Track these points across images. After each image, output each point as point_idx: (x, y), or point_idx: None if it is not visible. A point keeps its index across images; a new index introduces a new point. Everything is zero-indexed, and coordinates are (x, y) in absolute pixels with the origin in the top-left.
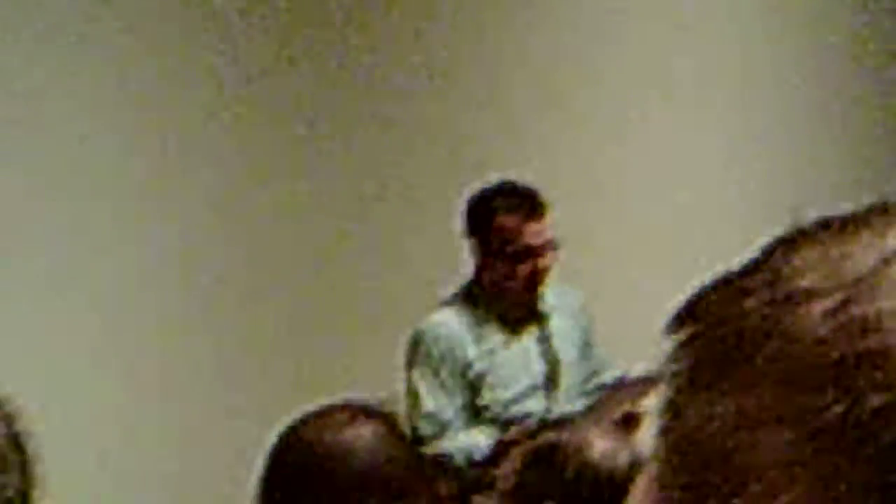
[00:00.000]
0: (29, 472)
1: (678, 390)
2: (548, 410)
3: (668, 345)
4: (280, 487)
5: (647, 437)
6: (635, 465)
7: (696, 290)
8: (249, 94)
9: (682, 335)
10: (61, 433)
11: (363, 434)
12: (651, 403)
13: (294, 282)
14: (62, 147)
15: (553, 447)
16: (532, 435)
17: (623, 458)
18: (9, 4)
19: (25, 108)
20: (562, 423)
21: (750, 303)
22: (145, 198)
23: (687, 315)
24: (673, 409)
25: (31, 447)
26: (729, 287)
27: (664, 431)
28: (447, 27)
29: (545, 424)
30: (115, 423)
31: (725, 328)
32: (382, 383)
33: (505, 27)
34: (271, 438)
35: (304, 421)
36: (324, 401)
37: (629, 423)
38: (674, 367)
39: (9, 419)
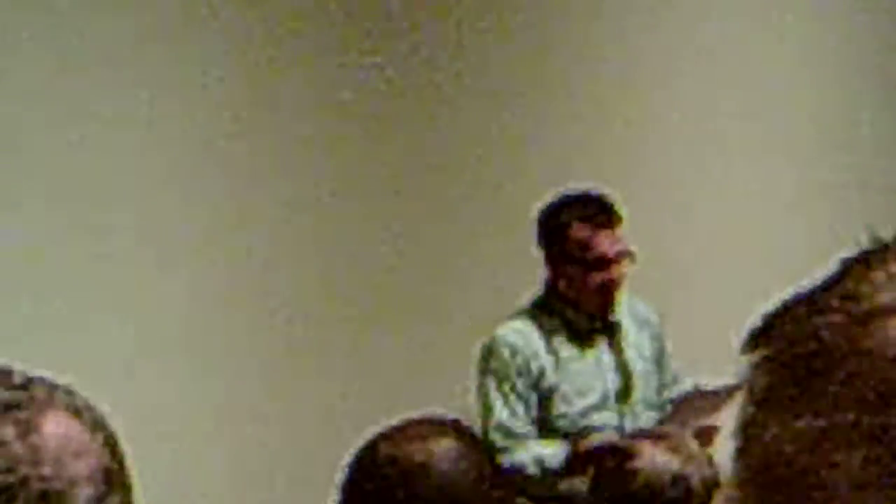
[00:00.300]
0: (130, 492)
1: (755, 410)
2: (620, 423)
3: (744, 363)
4: (360, 500)
5: (716, 451)
6: (678, 481)
7: (773, 309)
8: (314, 101)
9: (758, 354)
10: (145, 437)
11: (442, 447)
12: (723, 418)
13: (368, 292)
14: (145, 149)
15: (609, 453)
16: (604, 446)
17: (667, 472)
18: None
19: (106, 110)
20: (634, 435)
21: (826, 321)
22: (226, 203)
23: (763, 334)
24: (750, 429)
25: (127, 463)
26: (805, 305)
27: (741, 451)
28: (526, 38)
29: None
30: (196, 431)
31: (802, 347)
32: (456, 393)
33: (580, 38)
34: (348, 450)
35: (384, 435)
36: (400, 412)
37: (702, 437)
38: (750, 386)
39: (109, 438)
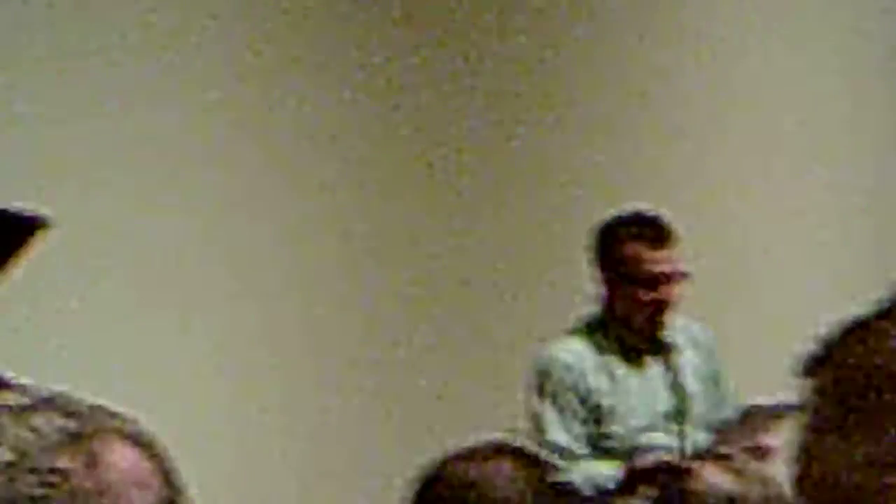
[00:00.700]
0: None
1: (813, 435)
2: (674, 442)
3: (801, 388)
4: None
5: (770, 471)
6: (735, 501)
7: (830, 334)
8: (377, 124)
9: (815, 380)
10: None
11: (503, 467)
12: (778, 437)
13: (421, 311)
14: (204, 152)
15: (662, 470)
16: (660, 466)
17: (724, 493)
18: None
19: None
20: (691, 456)
21: (882, 346)
22: (277, 215)
23: (820, 360)
24: (808, 454)
25: (180, 484)
26: (861, 331)
27: (799, 474)
28: (578, 58)
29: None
30: (255, 453)
31: (858, 373)
32: (508, 411)
33: (632, 62)
34: (408, 472)
35: (448, 457)
36: (453, 433)
37: (757, 456)
38: (808, 412)
39: (168, 467)
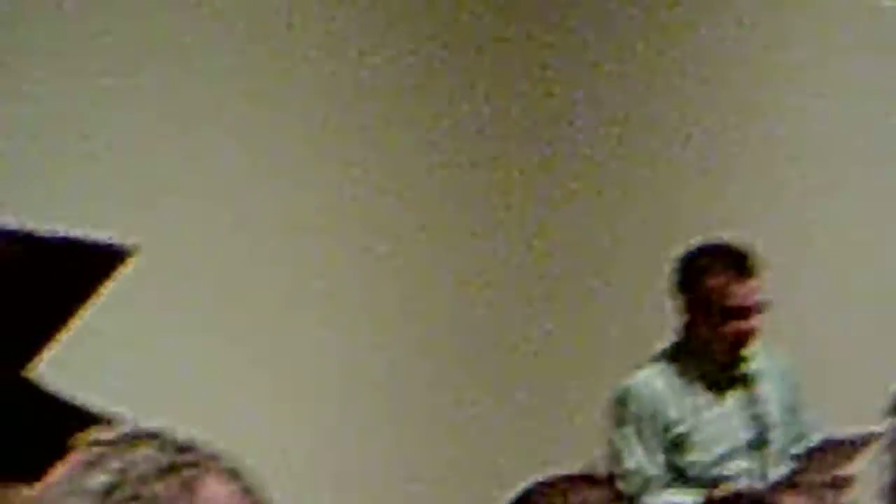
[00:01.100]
0: None
1: None
2: (754, 472)
3: (890, 422)
4: None
5: (849, 501)
6: None
7: None
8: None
9: None
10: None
11: (591, 495)
12: (856, 468)
13: (500, 335)
14: (292, 147)
15: (742, 500)
16: (738, 495)
17: None
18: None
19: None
20: (772, 485)
21: None
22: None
23: None
24: None
25: None
26: None
27: None
28: (670, 87)
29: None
30: (349, 491)
31: None
32: (587, 440)
33: (718, 90)
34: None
35: (536, 485)
36: (540, 465)
37: (836, 486)
38: None
39: (256, 497)
